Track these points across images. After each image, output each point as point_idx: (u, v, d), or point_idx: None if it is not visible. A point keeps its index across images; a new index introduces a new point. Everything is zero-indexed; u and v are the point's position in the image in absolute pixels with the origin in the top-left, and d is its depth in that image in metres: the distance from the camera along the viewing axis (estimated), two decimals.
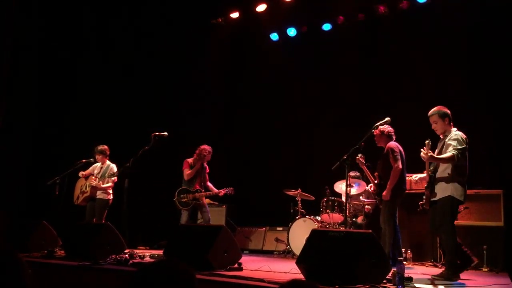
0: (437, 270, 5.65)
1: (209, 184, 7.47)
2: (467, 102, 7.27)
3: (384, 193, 5.74)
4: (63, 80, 9.56)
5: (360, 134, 5.37)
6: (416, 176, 5.61)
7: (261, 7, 9.02)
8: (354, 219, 7.27)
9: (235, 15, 9.47)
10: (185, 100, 9.68)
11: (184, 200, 7.21)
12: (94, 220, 7.17)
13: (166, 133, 6.61)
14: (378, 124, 4.95)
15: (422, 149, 4.69)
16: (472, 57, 7.27)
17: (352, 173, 7.42)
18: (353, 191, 7.00)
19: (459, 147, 4.73)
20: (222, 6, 9.48)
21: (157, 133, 6.55)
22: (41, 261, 5.14)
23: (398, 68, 7.94)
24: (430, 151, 4.64)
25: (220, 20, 9.74)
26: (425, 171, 4.96)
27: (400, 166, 5.64)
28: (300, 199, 7.68)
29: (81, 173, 7.40)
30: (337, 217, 7.23)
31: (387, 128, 5.86)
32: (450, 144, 4.77)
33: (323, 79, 8.72)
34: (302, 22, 9.16)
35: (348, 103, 8.34)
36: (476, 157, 7.04)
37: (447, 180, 4.78)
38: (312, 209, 7.67)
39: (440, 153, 4.82)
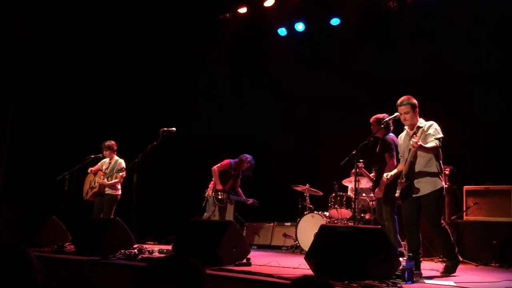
0: None
1: (239, 190, 7.78)
2: (476, 96, 7.24)
3: (376, 189, 5.75)
4: (72, 75, 9.59)
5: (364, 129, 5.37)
6: (387, 175, 5.15)
7: (269, 2, 8.98)
8: (362, 215, 7.25)
9: (243, 10, 9.44)
10: (192, 96, 9.69)
11: (220, 197, 7.47)
12: (101, 215, 7.21)
13: (174, 129, 6.62)
14: (387, 119, 4.91)
15: (413, 137, 4.53)
16: (480, 52, 7.22)
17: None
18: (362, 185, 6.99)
19: (439, 136, 4.61)
20: (230, 1, 9.46)
21: (165, 129, 6.56)
22: (51, 256, 5.18)
23: (407, 64, 7.88)
24: (419, 140, 4.44)
25: (228, 15, 9.72)
26: (406, 162, 4.68)
27: (395, 163, 5.57)
28: (308, 195, 7.67)
29: (90, 169, 7.44)
30: (346, 212, 7.20)
31: (383, 115, 5.81)
32: (429, 134, 4.61)
33: (332, 74, 8.67)
34: (310, 17, 9.11)
35: (357, 98, 8.30)
36: (485, 152, 7.05)
37: (434, 173, 4.60)
38: (320, 205, 7.66)
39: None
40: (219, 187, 7.38)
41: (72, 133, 9.31)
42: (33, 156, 9.09)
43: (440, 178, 4.61)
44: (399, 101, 4.81)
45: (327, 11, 8.91)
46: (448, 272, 4.52)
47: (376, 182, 5.81)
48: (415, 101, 4.79)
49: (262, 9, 9.16)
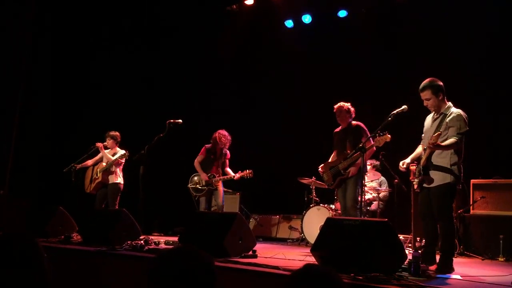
0: (454, 260, 5.62)
1: (227, 169, 7.33)
2: (484, 89, 7.19)
3: (352, 169, 5.84)
4: (80, 68, 9.60)
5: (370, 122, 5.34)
6: (403, 163, 4.82)
7: None
8: (368, 208, 7.25)
9: (250, 1, 9.41)
10: (200, 87, 9.69)
11: (197, 186, 7.20)
12: (103, 206, 7.25)
13: (180, 121, 6.64)
14: (395, 112, 4.86)
15: (429, 141, 4.25)
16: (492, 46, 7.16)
17: (369, 161, 7.41)
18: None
19: (462, 131, 4.28)
20: None
21: (171, 121, 6.57)
22: (59, 247, 5.21)
23: (414, 57, 7.84)
24: (437, 140, 4.18)
25: (235, 7, 9.69)
26: (423, 155, 4.51)
27: (375, 148, 5.71)
28: (314, 187, 7.68)
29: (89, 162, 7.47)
30: None
31: (348, 105, 6.13)
32: (452, 127, 4.32)
33: (339, 66, 8.63)
34: (317, 8, 9.06)
35: (364, 91, 8.26)
36: (492, 146, 7.02)
37: (446, 165, 4.35)
38: (326, 197, 7.67)
39: (437, 135, 4.26)
40: (203, 176, 7.15)
41: (79, 126, 9.34)
42: (40, 148, 9.13)
43: (452, 172, 4.33)
44: (420, 86, 4.51)
45: (334, 3, 8.85)
46: (441, 272, 4.17)
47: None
48: (439, 83, 4.45)
49: (269, 0, 9.12)
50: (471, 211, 6.42)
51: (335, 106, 6.24)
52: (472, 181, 6.46)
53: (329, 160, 6.34)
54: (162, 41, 9.83)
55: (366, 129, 6.06)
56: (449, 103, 4.50)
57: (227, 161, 7.39)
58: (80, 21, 9.44)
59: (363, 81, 8.32)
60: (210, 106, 9.61)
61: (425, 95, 4.47)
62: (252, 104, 9.61)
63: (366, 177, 7.29)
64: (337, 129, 6.36)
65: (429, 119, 4.68)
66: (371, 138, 5.65)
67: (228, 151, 7.37)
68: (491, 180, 6.36)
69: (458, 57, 7.46)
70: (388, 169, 7.02)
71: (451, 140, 4.27)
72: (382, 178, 7.61)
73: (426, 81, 4.50)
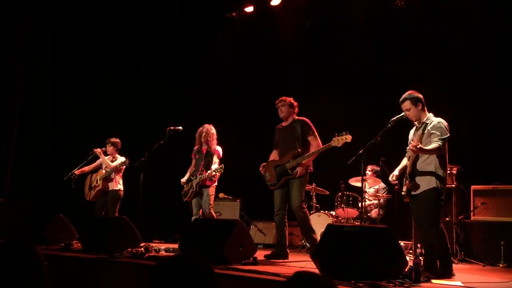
0: (454, 266, 5.60)
1: (211, 168, 6.54)
2: (484, 95, 7.21)
3: (299, 169, 5.53)
4: (80, 74, 9.61)
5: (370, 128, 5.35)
6: (392, 176, 4.97)
7: (276, 1, 8.98)
8: (368, 214, 7.25)
9: (249, 9, 9.44)
10: (199, 94, 9.69)
11: (185, 190, 6.62)
12: (103, 213, 7.24)
13: (181, 128, 6.65)
14: (394, 118, 4.86)
15: (411, 141, 4.46)
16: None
17: (370, 167, 7.40)
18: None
19: (444, 136, 4.41)
20: (237, 0, 9.46)
21: (172, 128, 6.58)
22: (58, 254, 5.20)
23: (413, 62, 7.86)
24: (419, 143, 4.34)
25: (234, 14, 9.72)
26: (407, 162, 4.64)
27: (320, 144, 5.58)
28: (314, 194, 7.68)
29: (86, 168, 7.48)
30: (352, 212, 7.20)
31: (291, 99, 5.86)
32: (434, 133, 4.45)
33: (339, 72, 8.65)
34: (317, 15, 9.09)
35: (364, 97, 8.28)
36: (493, 152, 7.02)
37: (430, 172, 4.46)
38: (326, 204, 7.66)
39: (419, 142, 4.42)
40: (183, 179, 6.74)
41: (79, 130, 9.33)
42: (41, 154, 9.12)
43: (437, 177, 4.43)
44: (400, 100, 4.72)
45: (334, 9, 8.88)
46: (442, 277, 4.17)
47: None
48: (417, 95, 4.65)
49: (269, 8, 9.16)
50: (472, 217, 6.40)
51: (278, 101, 5.90)
52: (473, 187, 6.46)
53: (271, 159, 5.96)
54: (162, 48, 9.85)
55: (312, 126, 5.78)
56: (430, 114, 4.69)
57: (216, 159, 6.55)
58: (81, 24, 9.44)
59: (364, 88, 8.33)
60: (210, 113, 9.62)
61: (405, 106, 4.69)
62: (253, 110, 9.61)
63: (366, 183, 7.30)
64: (280, 125, 6.01)
65: (412, 131, 4.87)
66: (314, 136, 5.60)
67: (217, 148, 6.63)
68: (491, 186, 6.35)
69: (459, 63, 7.48)
70: (388, 175, 7.01)
71: (434, 145, 4.40)
72: (382, 184, 7.61)
73: (405, 94, 4.73)
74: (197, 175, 6.50)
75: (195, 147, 6.75)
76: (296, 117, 5.88)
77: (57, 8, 9.22)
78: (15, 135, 8.52)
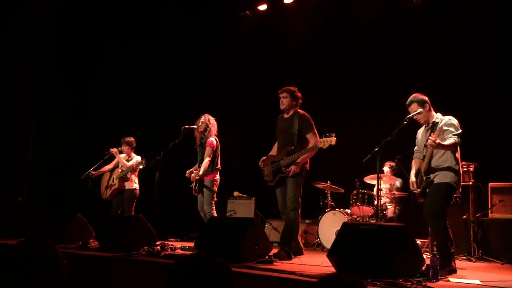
0: (471, 264, 5.56)
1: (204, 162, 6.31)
2: (501, 92, 7.11)
3: (293, 167, 5.35)
4: (91, 74, 9.69)
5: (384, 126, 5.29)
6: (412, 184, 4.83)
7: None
8: (384, 212, 7.20)
9: (263, 7, 9.44)
10: (210, 92, 9.72)
11: (192, 186, 6.46)
12: (119, 212, 7.30)
13: (195, 126, 6.66)
14: (410, 116, 4.82)
15: (430, 136, 4.42)
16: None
17: (388, 163, 7.36)
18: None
19: (457, 132, 4.44)
20: None
21: (186, 126, 6.60)
22: (76, 253, 5.26)
23: (427, 60, 7.79)
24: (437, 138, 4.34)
25: (248, 12, 9.72)
26: (425, 160, 4.60)
27: (319, 139, 5.29)
28: (329, 192, 7.65)
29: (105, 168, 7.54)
30: (367, 210, 7.17)
31: (295, 89, 5.61)
32: (447, 130, 4.46)
33: (353, 69, 8.61)
34: (330, 13, 9.04)
35: (379, 94, 8.22)
36: (511, 149, 6.91)
37: (446, 167, 4.48)
38: (341, 202, 7.62)
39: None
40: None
41: (95, 132, 9.42)
42: (58, 154, 9.23)
43: (453, 171, 4.45)
44: (406, 103, 4.72)
45: (346, 7, 8.83)
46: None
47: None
48: (422, 97, 4.67)
49: (282, 6, 9.14)
50: (490, 215, 6.33)
51: (280, 91, 5.65)
52: (490, 184, 6.38)
53: (271, 153, 5.80)
54: (175, 46, 9.89)
55: (312, 122, 5.53)
56: (438, 114, 4.69)
57: (207, 151, 6.28)
58: (88, 24, 9.51)
59: (377, 86, 8.28)
60: (221, 112, 9.64)
61: (412, 108, 4.70)
62: (266, 108, 9.58)
63: (381, 181, 7.26)
64: (282, 116, 5.78)
65: (421, 131, 4.86)
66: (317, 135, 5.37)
67: (210, 139, 6.33)
68: (509, 183, 6.27)
69: (473, 60, 7.40)
70: (404, 173, 6.97)
71: (450, 140, 4.40)
72: (399, 181, 7.55)
73: (411, 96, 4.74)
74: (193, 171, 6.42)
75: (197, 141, 6.60)
76: (298, 110, 5.63)
77: (64, 11, 9.28)
78: (32, 136, 8.64)
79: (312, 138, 5.47)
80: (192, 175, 6.40)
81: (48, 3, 8.94)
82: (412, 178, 4.81)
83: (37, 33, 8.80)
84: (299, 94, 5.64)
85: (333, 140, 5.16)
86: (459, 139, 4.44)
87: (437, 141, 4.30)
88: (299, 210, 5.52)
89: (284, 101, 5.61)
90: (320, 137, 5.24)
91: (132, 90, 9.58)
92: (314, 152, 5.43)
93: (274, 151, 5.82)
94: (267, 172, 5.70)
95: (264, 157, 5.84)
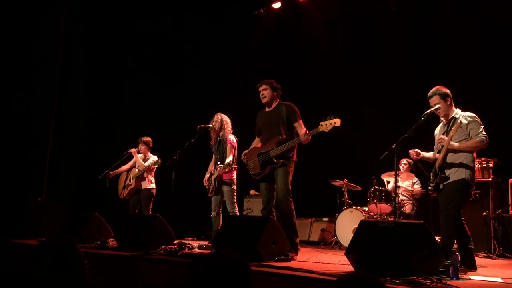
0: (492, 262, 5.48)
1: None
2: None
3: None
4: (113, 75, 9.78)
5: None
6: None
7: None
8: (402, 209, 7.13)
9: (277, 5, 9.41)
10: (228, 92, 9.72)
11: (207, 186, 6.41)
12: (136, 211, 7.36)
13: (211, 125, 6.67)
14: (428, 111, 4.76)
15: (449, 131, 4.36)
16: None
17: (405, 160, 7.30)
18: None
19: (482, 129, 4.37)
20: None
21: (202, 126, 6.62)
22: (95, 252, 5.31)
23: (450, 53, 7.69)
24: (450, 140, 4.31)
25: (262, 11, 9.71)
26: (440, 156, 4.50)
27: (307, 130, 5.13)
28: (346, 189, 7.61)
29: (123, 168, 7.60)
30: (385, 207, 7.10)
31: (273, 81, 5.46)
32: (473, 129, 4.38)
33: (370, 66, 8.54)
34: (346, 8, 8.98)
35: (396, 90, 8.14)
36: None
37: (460, 164, 4.40)
38: (359, 200, 7.57)
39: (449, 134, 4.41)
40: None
41: (112, 131, 9.50)
42: (76, 154, 9.34)
43: (467, 169, 4.37)
44: (428, 94, 4.63)
45: (364, 3, 8.77)
46: None
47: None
48: (445, 90, 4.57)
49: (296, 3, 9.11)
50: (510, 211, 6.23)
51: (259, 84, 5.52)
52: (511, 180, 6.29)
53: (253, 146, 5.63)
54: (192, 46, 9.93)
55: (298, 111, 5.40)
56: (457, 109, 4.60)
57: (228, 148, 6.27)
58: (114, 27, 9.61)
59: (396, 81, 8.20)
60: (237, 111, 9.64)
61: (433, 101, 4.61)
62: None
63: (399, 178, 7.18)
64: (263, 110, 5.65)
65: (439, 128, 4.80)
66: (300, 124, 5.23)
67: (229, 137, 6.35)
68: None
69: (495, 52, 7.29)
70: (422, 170, 6.89)
71: (479, 139, 4.33)
72: (416, 179, 7.48)
73: (433, 89, 4.64)
74: (213, 172, 6.34)
75: (212, 141, 6.57)
76: (281, 101, 5.50)
77: (91, 17, 9.39)
78: (51, 136, 8.74)
79: (299, 128, 5.30)
80: (216, 172, 6.17)
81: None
82: (423, 153, 4.78)
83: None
84: (278, 85, 5.49)
85: (337, 121, 4.94)
86: (487, 139, 4.35)
87: (454, 144, 4.31)
88: (292, 203, 5.33)
89: (265, 93, 5.46)
90: (320, 121, 5.04)
91: (149, 91, 9.64)
92: (308, 139, 5.21)
93: (255, 145, 5.66)
94: (253, 166, 5.47)
95: (246, 151, 5.64)
